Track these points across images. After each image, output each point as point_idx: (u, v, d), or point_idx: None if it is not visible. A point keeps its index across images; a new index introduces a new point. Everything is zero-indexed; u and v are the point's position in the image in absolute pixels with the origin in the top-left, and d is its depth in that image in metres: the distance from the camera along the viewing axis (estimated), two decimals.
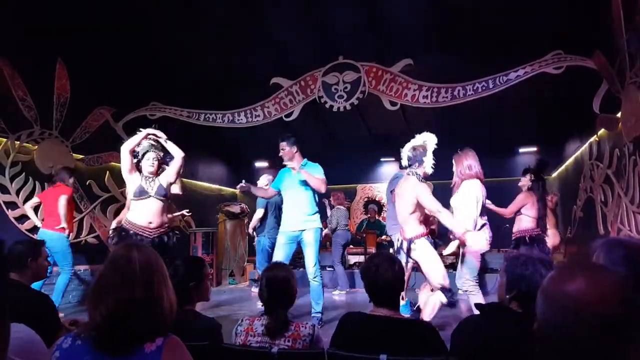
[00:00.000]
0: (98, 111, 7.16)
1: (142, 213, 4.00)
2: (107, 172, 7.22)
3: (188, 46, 7.09)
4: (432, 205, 3.87)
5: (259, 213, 6.64)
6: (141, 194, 3.99)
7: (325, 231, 7.80)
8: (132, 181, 4.03)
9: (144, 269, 1.40)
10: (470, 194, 4.01)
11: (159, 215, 4.06)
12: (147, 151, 4.13)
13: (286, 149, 4.86)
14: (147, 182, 4.05)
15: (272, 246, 6.38)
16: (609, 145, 5.79)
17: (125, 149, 3.97)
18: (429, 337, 1.91)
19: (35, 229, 5.65)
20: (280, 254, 4.79)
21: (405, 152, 4.25)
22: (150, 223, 4.01)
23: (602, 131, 5.99)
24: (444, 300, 3.87)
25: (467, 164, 4.13)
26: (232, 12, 6.35)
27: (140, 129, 4.16)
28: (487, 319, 1.77)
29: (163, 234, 4.09)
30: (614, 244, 1.61)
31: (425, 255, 3.99)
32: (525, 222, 5.53)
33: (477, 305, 1.84)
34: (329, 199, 8.30)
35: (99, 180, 7.14)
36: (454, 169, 4.22)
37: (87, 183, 6.94)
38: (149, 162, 4.10)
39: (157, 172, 4.18)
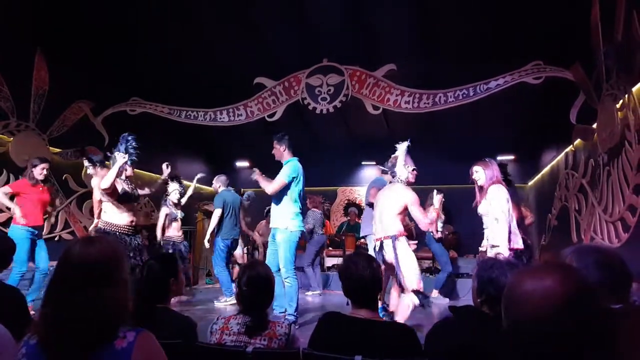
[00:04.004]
0: (77, 105, 7.04)
1: (129, 214, 4.55)
2: (85, 166, 7.09)
3: (172, 42, 7.01)
4: (419, 215, 4.10)
5: (218, 212, 6.43)
6: (132, 196, 4.60)
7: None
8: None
9: (90, 266, 1.33)
10: (497, 199, 3.92)
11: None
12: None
13: (276, 147, 4.93)
14: (128, 185, 4.59)
15: (226, 248, 6.42)
16: (584, 156, 5.92)
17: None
18: (408, 340, 1.91)
19: (7, 222, 5.51)
20: (269, 251, 4.95)
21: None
22: (132, 222, 4.55)
23: (578, 141, 6.13)
24: (417, 302, 3.96)
25: (491, 172, 4.09)
26: (217, 10, 6.31)
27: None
28: (460, 321, 1.80)
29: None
30: (585, 250, 1.64)
31: (406, 254, 4.08)
32: None
33: (451, 308, 1.86)
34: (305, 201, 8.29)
35: (76, 175, 7.01)
36: (479, 175, 4.13)
37: (64, 177, 6.80)
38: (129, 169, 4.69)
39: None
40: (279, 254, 4.71)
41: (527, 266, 1.06)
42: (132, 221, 4.51)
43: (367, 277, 2.01)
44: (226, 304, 6.15)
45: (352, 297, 2.07)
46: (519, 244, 3.94)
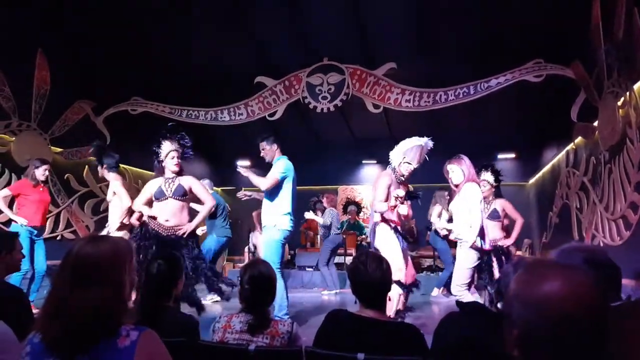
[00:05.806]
0: (78, 104, 7.05)
1: (160, 212, 4.21)
2: (86, 166, 7.10)
3: (172, 41, 7.02)
4: (375, 198, 4.07)
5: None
6: (160, 195, 4.21)
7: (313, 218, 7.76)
8: (152, 185, 4.30)
9: (90, 265, 1.34)
10: (473, 197, 3.89)
11: (176, 214, 4.23)
12: (170, 150, 4.25)
13: (267, 148, 4.85)
14: (167, 184, 4.25)
15: (220, 247, 6.46)
16: (585, 153, 5.92)
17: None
18: (414, 341, 1.90)
19: (9, 222, 5.52)
20: None
21: None
22: (167, 221, 4.17)
23: (579, 139, 6.13)
24: (401, 291, 3.90)
25: (466, 168, 4.00)
26: (218, 9, 6.31)
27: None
28: (466, 316, 1.80)
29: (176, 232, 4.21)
30: (571, 249, 1.63)
31: (383, 239, 4.03)
32: (497, 229, 5.19)
33: (458, 303, 1.87)
34: (319, 197, 8.28)
35: (78, 175, 7.02)
36: (456, 175, 4.04)
37: (65, 177, 6.81)
38: (173, 162, 4.25)
39: (180, 171, 4.31)
40: (263, 251, 4.65)
41: (539, 267, 1.02)
42: (166, 220, 4.25)
43: (376, 279, 2.00)
44: (210, 301, 6.18)
45: (360, 296, 2.06)
46: (484, 244, 3.90)
